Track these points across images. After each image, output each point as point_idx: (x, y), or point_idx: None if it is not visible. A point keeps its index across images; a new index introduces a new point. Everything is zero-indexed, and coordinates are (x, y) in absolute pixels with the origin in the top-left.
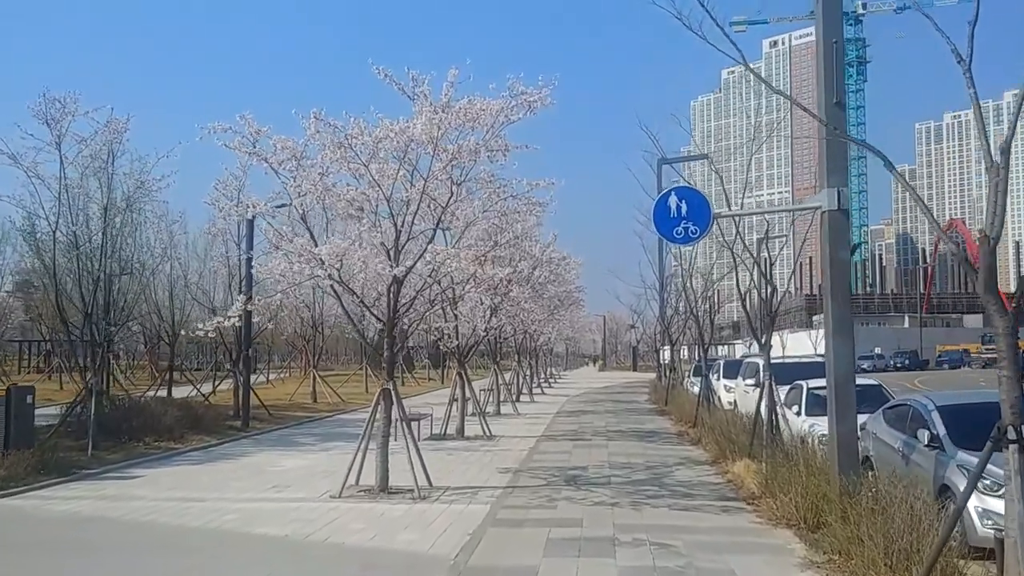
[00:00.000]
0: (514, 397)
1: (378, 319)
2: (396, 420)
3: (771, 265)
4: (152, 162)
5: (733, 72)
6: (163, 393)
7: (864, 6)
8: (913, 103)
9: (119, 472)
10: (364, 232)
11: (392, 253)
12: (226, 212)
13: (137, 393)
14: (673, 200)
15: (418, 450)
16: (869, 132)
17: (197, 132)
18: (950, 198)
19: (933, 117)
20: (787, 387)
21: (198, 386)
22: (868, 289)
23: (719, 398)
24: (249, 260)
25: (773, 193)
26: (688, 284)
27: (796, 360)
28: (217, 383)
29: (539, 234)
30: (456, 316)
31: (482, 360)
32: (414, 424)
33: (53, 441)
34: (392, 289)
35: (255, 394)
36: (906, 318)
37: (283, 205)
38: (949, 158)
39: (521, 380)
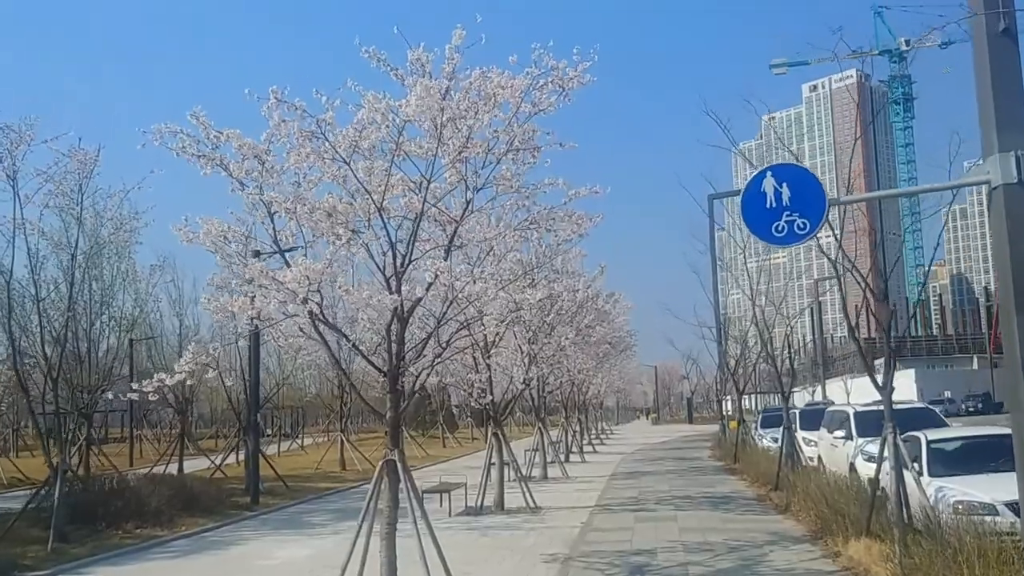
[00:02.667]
0: (562, 457)
1: (377, 368)
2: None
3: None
4: (119, 196)
5: (773, 118)
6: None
7: (908, 43)
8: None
9: (74, 573)
10: (342, 248)
11: (391, 281)
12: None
13: (143, 469)
14: (770, 184)
15: (435, 539)
16: (919, 171)
17: (147, 141)
18: None
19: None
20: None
21: (212, 458)
22: (930, 331)
23: (800, 454)
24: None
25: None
26: (760, 319)
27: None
28: (228, 453)
29: (582, 266)
30: (489, 366)
31: (527, 417)
32: (446, 496)
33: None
34: (395, 329)
35: (270, 464)
36: (975, 359)
37: (292, 249)
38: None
39: (570, 437)
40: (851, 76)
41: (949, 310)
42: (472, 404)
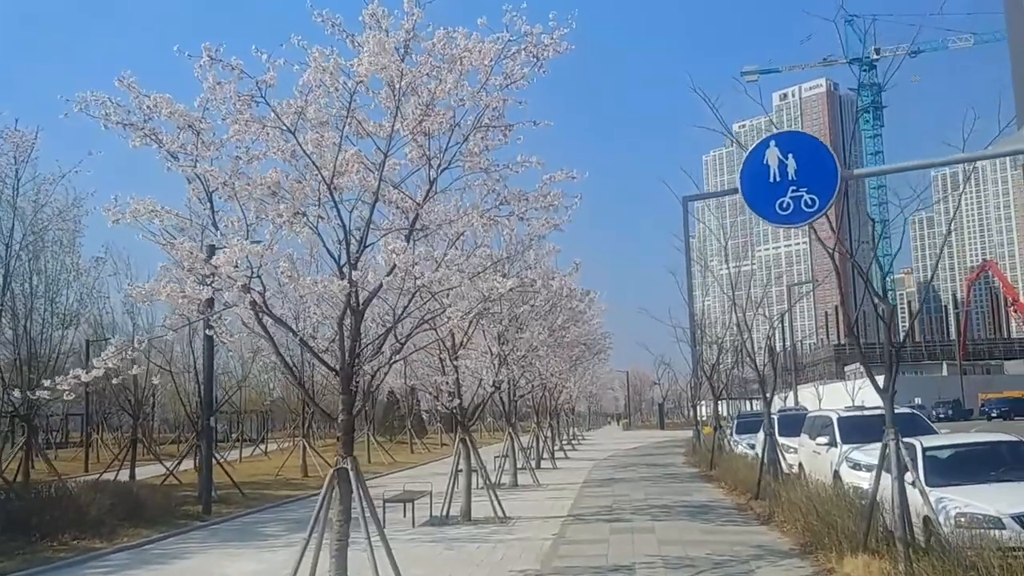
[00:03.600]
0: (533, 464)
1: (328, 367)
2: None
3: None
4: (54, 180)
5: (744, 125)
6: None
7: (878, 51)
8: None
9: None
10: (284, 228)
11: (345, 269)
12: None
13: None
14: (773, 155)
15: (391, 555)
16: (888, 180)
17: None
18: (970, 244)
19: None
20: (873, 447)
21: (167, 464)
22: (898, 338)
23: (782, 461)
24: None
25: (790, 244)
26: (740, 319)
27: (874, 412)
28: (182, 459)
29: (556, 263)
30: (456, 368)
31: (498, 422)
32: (409, 505)
33: None
34: (348, 323)
35: (225, 471)
36: (944, 366)
37: (256, 242)
38: (967, 205)
39: (541, 443)
40: (821, 85)
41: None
42: (439, 408)
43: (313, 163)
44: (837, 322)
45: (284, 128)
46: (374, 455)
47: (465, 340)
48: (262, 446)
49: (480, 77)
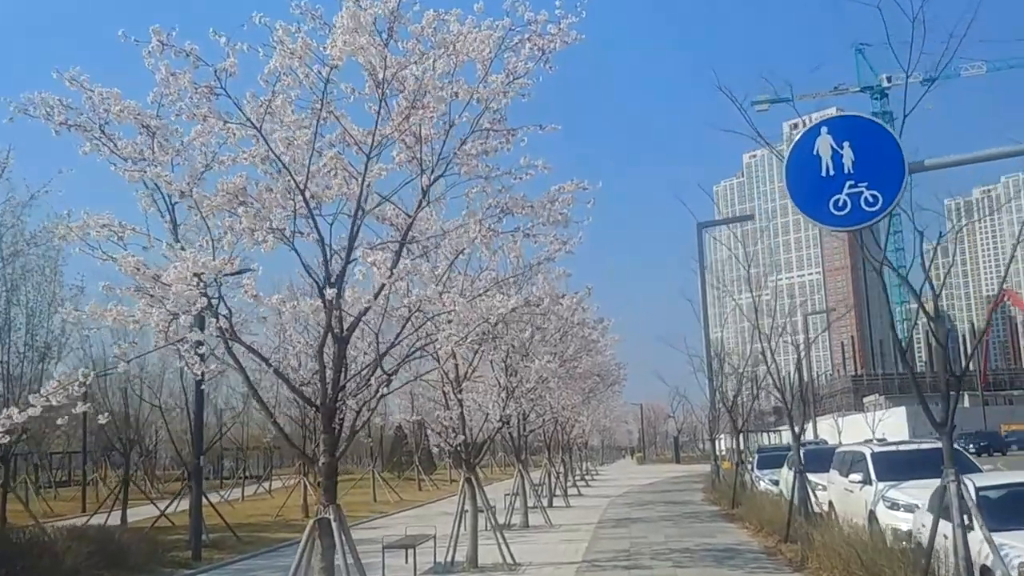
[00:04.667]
0: (545, 502)
1: (307, 402)
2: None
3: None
4: (22, 202)
5: (755, 156)
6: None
7: (889, 79)
8: (941, 178)
9: None
10: (243, 232)
11: (325, 291)
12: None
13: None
14: (826, 145)
15: None
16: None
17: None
18: (985, 273)
19: (962, 192)
20: (912, 485)
21: (159, 505)
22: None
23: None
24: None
25: (803, 275)
26: (765, 346)
27: (911, 447)
28: (175, 500)
29: (567, 288)
30: (461, 402)
31: (509, 457)
32: (410, 552)
33: None
34: (334, 351)
35: (218, 513)
36: (965, 396)
37: (243, 271)
38: (981, 233)
39: (553, 480)
40: (831, 114)
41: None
42: (444, 445)
43: (283, 166)
44: (854, 352)
45: (249, 125)
46: (380, 493)
47: (470, 371)
48: (265, 484)
49: (478, 71)
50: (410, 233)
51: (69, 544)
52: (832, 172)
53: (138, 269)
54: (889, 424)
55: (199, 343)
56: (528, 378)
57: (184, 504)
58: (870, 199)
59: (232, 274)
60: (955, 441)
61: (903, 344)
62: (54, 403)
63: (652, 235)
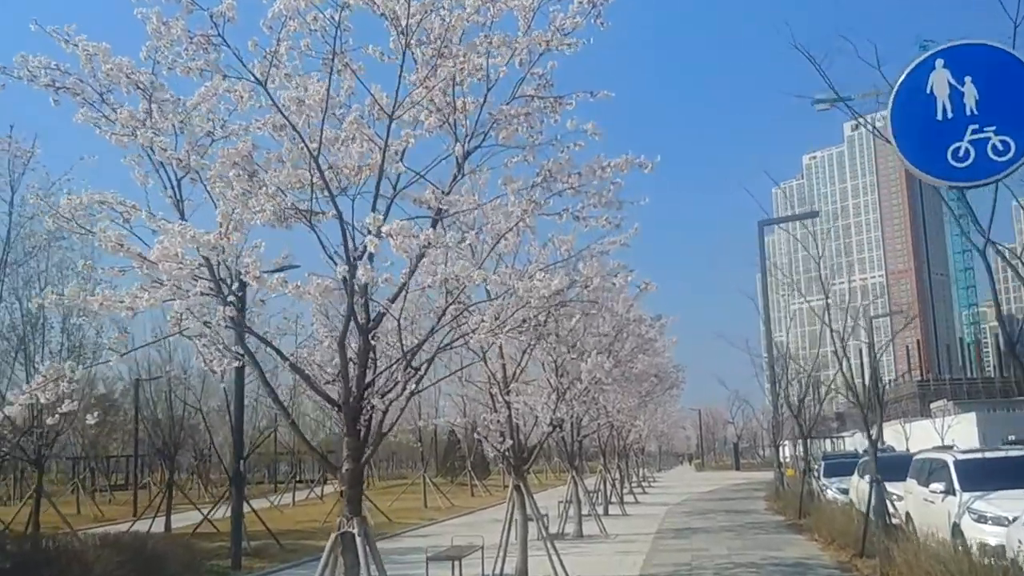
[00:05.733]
0: (600, 510)
1: (329, 401)
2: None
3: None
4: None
5: (815, 157)
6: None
7: None
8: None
9: None
10: (238, 199)
11: (344, 273)
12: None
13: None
14: (941, 81)
15: None
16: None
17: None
18: None
19: None
20: (1001, 496)
21: (202, 510)
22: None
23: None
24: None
25: (865, 278)
26: (838, 346)
27: (999, 454)
28: (216, 505)
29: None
30: (508, 404)
31: (563, 463)
32: (456, 564)
33: None
34: (359, 344)
35: (260, 519)
36: None
37: (285, 268)
38: None
39: (609, 487)
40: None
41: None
42: (490, 449)
43: (292, 127)
44: (920, 357)
45: (253, 80)
46: (431, 499)
47: (518, 372)
48: (317, 489)
49: (519, 25)
50: (444, 210)
51: (100, 552)
52: (951, 114)
53: (120, 245)
54: (959, 430)
55: (203, 334)
56: (580, 378)
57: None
58: (999, 146)
59: (272, 271)
60: None
61: (1009, 344)
62: (42, 400)
63: (709, 231)
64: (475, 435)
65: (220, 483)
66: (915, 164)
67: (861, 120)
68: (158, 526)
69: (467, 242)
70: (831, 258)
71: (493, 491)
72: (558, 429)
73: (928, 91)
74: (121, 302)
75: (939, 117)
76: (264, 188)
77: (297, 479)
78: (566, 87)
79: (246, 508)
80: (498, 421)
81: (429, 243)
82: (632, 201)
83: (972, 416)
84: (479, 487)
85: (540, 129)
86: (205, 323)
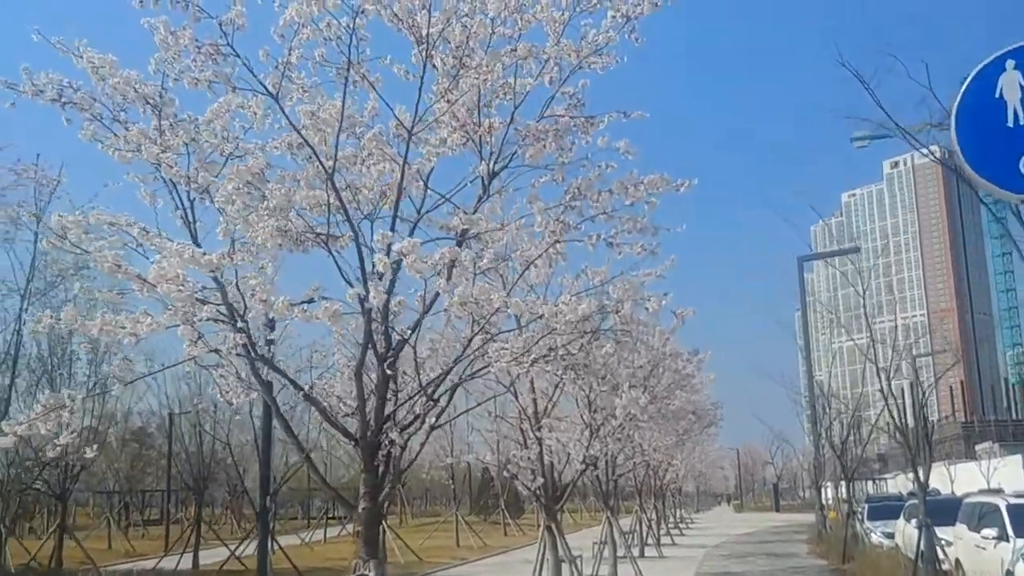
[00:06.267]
0: (636, 552)
1: (345, 434)
2: None
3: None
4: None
5: (854, 195)
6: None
7: None
8: None
9: None
10: (237, 214)
11: (362, 298)
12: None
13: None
14: (1012, 83)
15: None
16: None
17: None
18: None
19: None
20: None
21: (230, 546)
22: None
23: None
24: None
25: (907, 317)
26: (885, 382)
27: None
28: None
29: (659, 317)
30: (540, 441)
31: (599, 503)
32: None
33: None
34: (377, 374)
35: (287, 557)
36: None
37: (311, 301)
38: None
39: (645, 528)
40: (934, 152)
41: None
42: (522, 488)
43: (305, 141)
44: (964, 398)
45: (262, 89)
46: (463, 537)
47: (550, 407)
48: (349, 526)
49: (549, 38)
50: (467, 230)
51: None
52: (1023, 121)
53: (118, 266)
54: (1005, 473)
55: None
56: (615, 414)
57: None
58: None
59: (298, 304)
60: None
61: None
62: (43, 431)
63: (746, 263)
64: (505, 472)
65: (252, 518)
66: (981, 174)
67: (913, 141)
68: (186, 562)
69: (484, 260)
70: (873, 295)
71: (527, 530)
72: (592, 468)
73: (997, 95)
74: (122, 327)
75: (1010, 123)
76: (265, 202)
77: (330, 515)
78: (596, 99)
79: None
80: (529, 458)
81: (451, 262)
82: (668, 228)
83: (1019, 459)
84: (512, 526)
85: (570, 148)
86: (215, 351)
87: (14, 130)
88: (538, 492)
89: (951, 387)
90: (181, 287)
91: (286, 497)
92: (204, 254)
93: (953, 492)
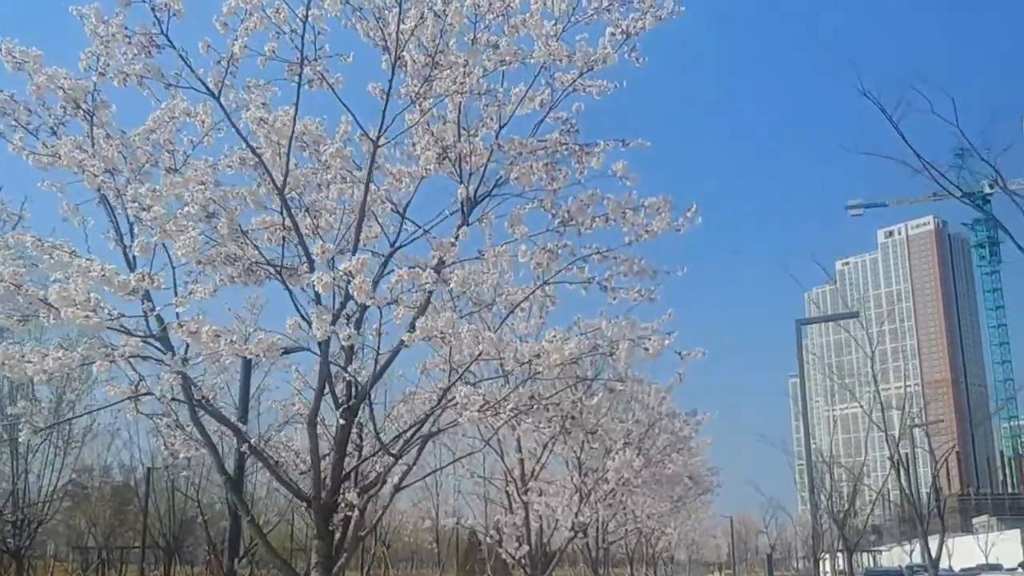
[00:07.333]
0: None
1: (298, 495)
2: None
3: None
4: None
5: (848, 264)
6: None
7: (992, 185)
8: None
9: None
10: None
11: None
12: None
13: None
14: None
15: None
16: (1009, 316)
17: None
18: None
19: None
20: None
21: None
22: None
23: None
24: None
25: (900, 386)
26: (895, 452)
27: None
28: None
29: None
30: (526, 505)
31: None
32: None
33: None
34: (337, 427)
35: None
36: None
37: (293, 350)
38: None
39: None
40: (928, 223)
41: None
42: (505, 555)
43: (253, 151)
44: (959, 469)
45: (204, 88)
46: None
47: (537, 469)
48: None
49: (540, 47)
50: (443, 260)
51: None
52: None
53: (18, 287)
54: (1003, 547)
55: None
56: (607, 478)
57: None
58: None
59: (285, 352)
60: None
61: None
62: None
63: (741, 323)
64: (488, 538)
65: None
66: None
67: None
68: None
69: (458, 290)
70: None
71: None
72: (581, 535)
73: None
74: (29, 362)
75: None
76: (188, 208)
77: None
78: (589, 114)
79: None
80: (515, 523)
81: (427, 296)
82: (668, 271)
83: (1017, 534)
84: None
85: (563, 176)
86: (142, 394)
87: None
88: (523, 561)
89: (946, 459)
90: (90, 313)
91: (264, 557)
92: (118, 273)
93: (951, 567)
